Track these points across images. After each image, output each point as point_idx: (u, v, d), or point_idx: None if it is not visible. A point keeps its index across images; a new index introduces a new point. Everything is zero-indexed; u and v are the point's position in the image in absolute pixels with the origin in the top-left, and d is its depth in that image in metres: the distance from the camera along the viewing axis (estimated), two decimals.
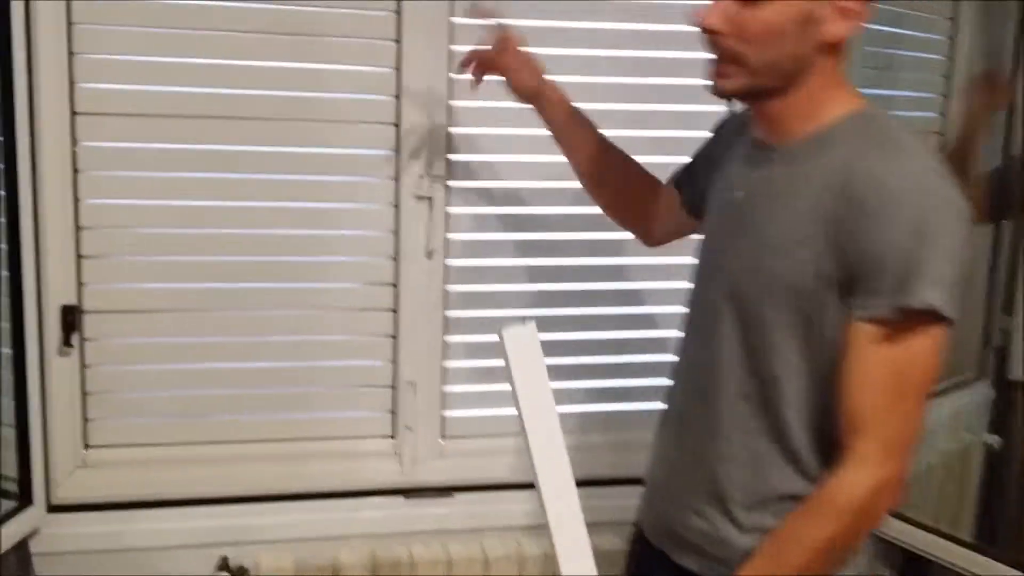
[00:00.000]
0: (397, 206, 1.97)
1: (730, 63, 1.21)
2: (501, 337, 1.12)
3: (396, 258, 2.00)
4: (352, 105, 1.93)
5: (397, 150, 1.95)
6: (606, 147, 1.66)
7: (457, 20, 1.93)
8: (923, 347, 1.15)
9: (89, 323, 1.90)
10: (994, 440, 2.58)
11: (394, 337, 2.03)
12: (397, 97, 1.93)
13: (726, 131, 1.49)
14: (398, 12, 1.90)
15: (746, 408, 1.27)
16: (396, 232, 1.98)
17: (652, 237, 1.70)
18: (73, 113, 1.82)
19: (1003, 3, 2.26)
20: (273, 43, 1.87)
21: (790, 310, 1.22)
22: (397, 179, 1.96)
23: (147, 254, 1.91)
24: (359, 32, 1.90)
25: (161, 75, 1.85)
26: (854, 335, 1.17)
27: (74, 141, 1.83)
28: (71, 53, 1.79)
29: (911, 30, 2.26)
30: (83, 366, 1.91)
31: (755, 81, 1.22)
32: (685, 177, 1.57)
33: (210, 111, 1.88)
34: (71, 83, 1.81)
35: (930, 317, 1.13)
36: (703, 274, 1.38)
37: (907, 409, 1.17)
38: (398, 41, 1.91)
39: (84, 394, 1.92)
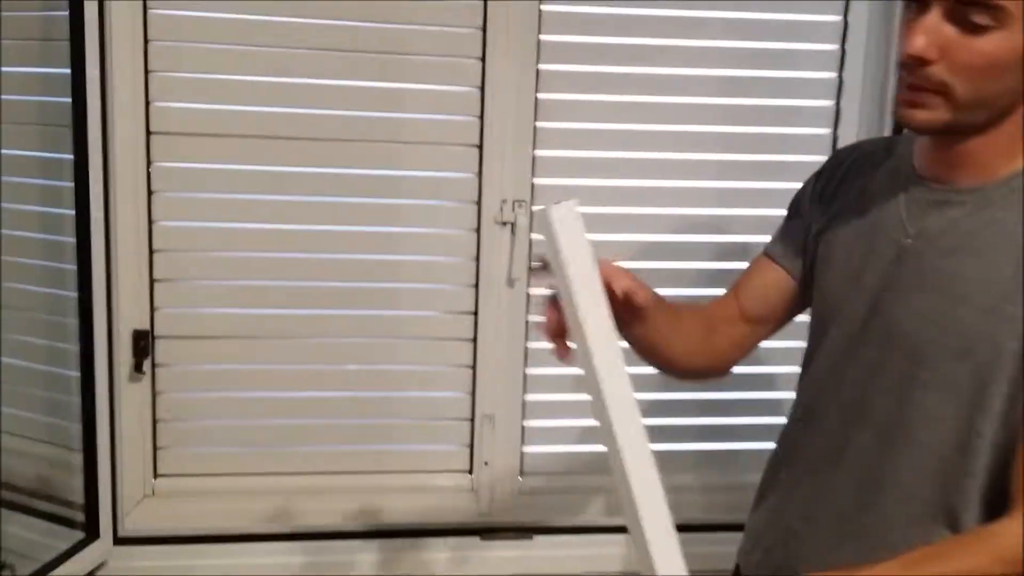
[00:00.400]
0: (478, 231, 1.89)
1: (934, 94, 1.06)
2: (546, 217, 1.03)
3: (476, 286, 1.91)
4: (433, 126, 1.86)
5: (479, 173, 1.87)
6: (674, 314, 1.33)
7: (545, 38, 1.84)
8: None
9: (161, 348, 1.85)
10: None
11: (473, 368, 1.94)
12: (480, 118, 1.85)
13: (843, 168, 1.31)
14: (483, 29, 1.82)
15: (917, 476, 1.15)
16: (477, 259, 1.90)
17: (724, 359, 1.40)
18: (148, 132, 1.78)
19: None
20: (353, 62, 1.81)
21: (988, 371, 1.08)
22: (479, 203, 1.88)
23: (221, 278, 1.87)
24: (442, 51, 1.83)
25: (238, 94, 1.80)
26: None
27: (149, 161, 1.79)
28: (147, 71, 1.76)
29: None
30: (154, 392, 1.86)
31: (958, 116, 1.07)
32: (787, 244, 1.35)
33: (287, 132, 1.82)
34: (147, 102, 1.77)
35: None
36: (851, 327, 1.22)
37: None
38: (483, 60, 1.83)
39: (155, 421, 1.87)
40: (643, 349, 1.28)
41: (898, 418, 1.15)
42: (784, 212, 1.37)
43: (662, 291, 1.23)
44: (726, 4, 1.88)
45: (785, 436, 1.34)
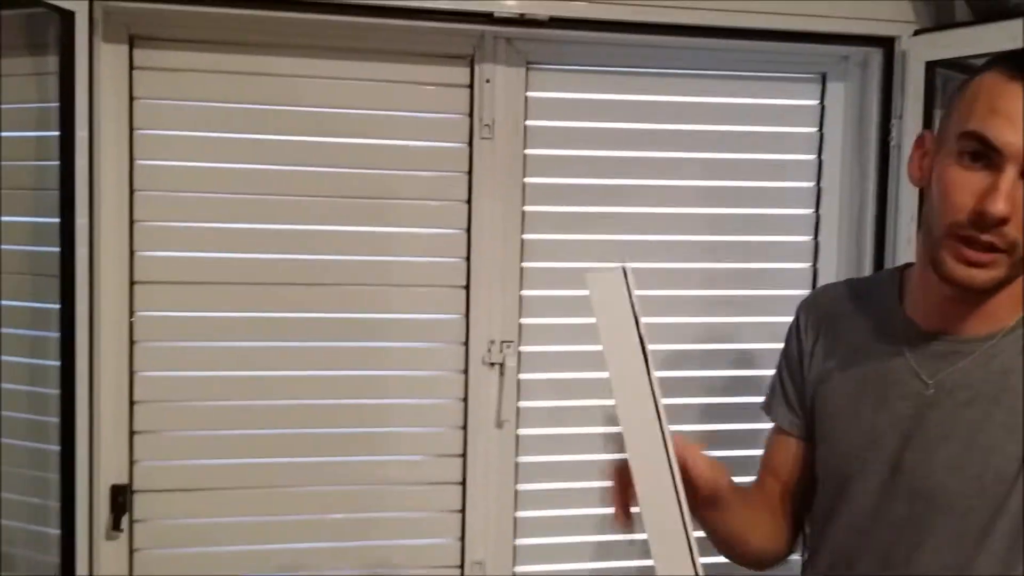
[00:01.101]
0: (466, 372, 1.88)
1: (1000, 252, 1.03)
2: (587, 283, 0.99)
3: (465, 427, 1.88)
4: (421, 268, 1.86)
5: (467, 314, 1.86)
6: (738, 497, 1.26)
7: (530, 180, 1.87)
8: None
9: (139, 503, 1.78)
10: None
11: (462, 512, 1.89)
12: (467, 259, 1.85)
13: (818, 321, 1.28)
14: (469, 173, 1.84)
15: None
16: (465, 400, 1.88)
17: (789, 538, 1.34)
18: (132, 282, 1.76)
19: None
20: (342, 207, 1.82)
21: (1019, 519, 1.07)
22: (467, 344, 1.87)
23: (203, 428, 1.81)
24: (429, 194, 1.85)
25: (226, 242, 1.80)
26: None
27: (131, 311, 1.76)
28: (132, 251, 1.75)
29: None
30: (131, 550, 1.78)
31: (1011, 274, 1.05)
32: (793, 411, 1.31)
33: (276, 278, 1.81)
34: (131, 251, 1.75)
35: None
36: (874, 484, 1.16)
37: None
38: (469, 202, 1.85)
39: None
40: (723, 538, 1.23)
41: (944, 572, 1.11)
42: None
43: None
44: (706, 145, 1.94)
45: None
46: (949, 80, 1.86)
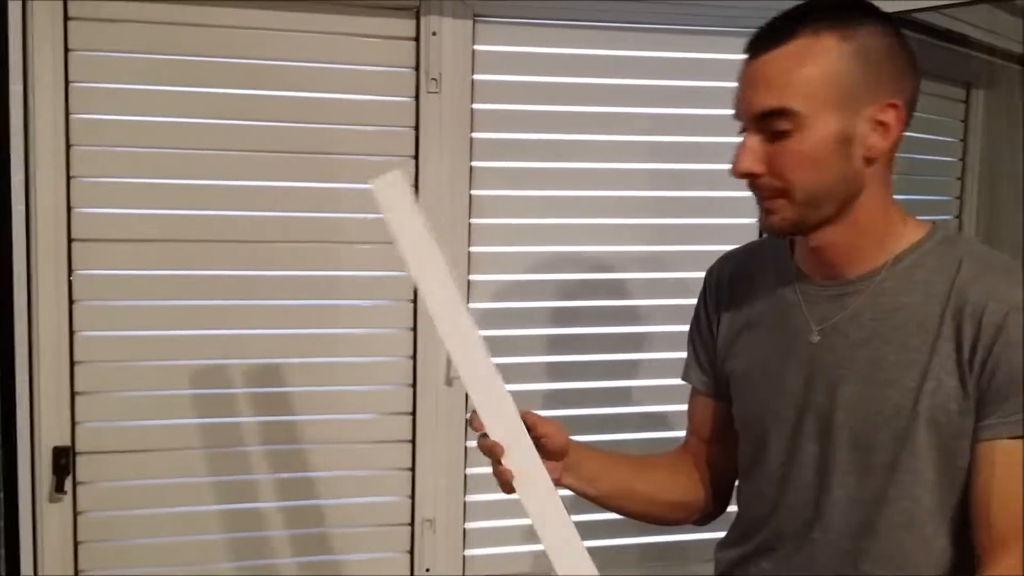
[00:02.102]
0: (415, 330, 1.87)
1: (776, 198, 1.15)
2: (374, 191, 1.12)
3: (414, 385, 1.87)
4: (368, 225, 1.83)
5: None
6: (638, 469, 1.40)
7: (477, 135, 1.87)
8: None
9: (82, 465, 1.75)
10: None
11: (412, 471, 1.89)
12: None
13: (726, 282, 1.35)
14: (416, 128, 1.83)
15: (889, 563, 1.16)
16: (414, 357, 1.87)
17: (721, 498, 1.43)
18: (70, 240, 1.71)
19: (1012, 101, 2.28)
20: (287, 162, 1.79)
21: (928, 446, 1.12)
22: (415, 302, 1.86)
23: (145, 389, 1.78)
24: (376, 150, 1.83)
25: (167, 198, 1.76)
26: (993, 453, 1.09)
27: (70, 269, 1.72)
28: (69, 176, 1.70)
29: (926, 133, 2.24)
30: (75, 512, 1.75)
31: (804, 213, 1.15)
32: (707, 371, 1.39)
33: (218, 235, 1.79)
34: (68, 208, 1.70)
35: None
36: (787, 431, 1.23)
37: None
38: (416, 158, 1.83)
39: (76, 543, 1.76)
40: (641, 506, 1.36)
41: (855, 508, 1.17)
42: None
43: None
44: (657, 100, 1.94)
45: (737, 543, 1.33)
46: None
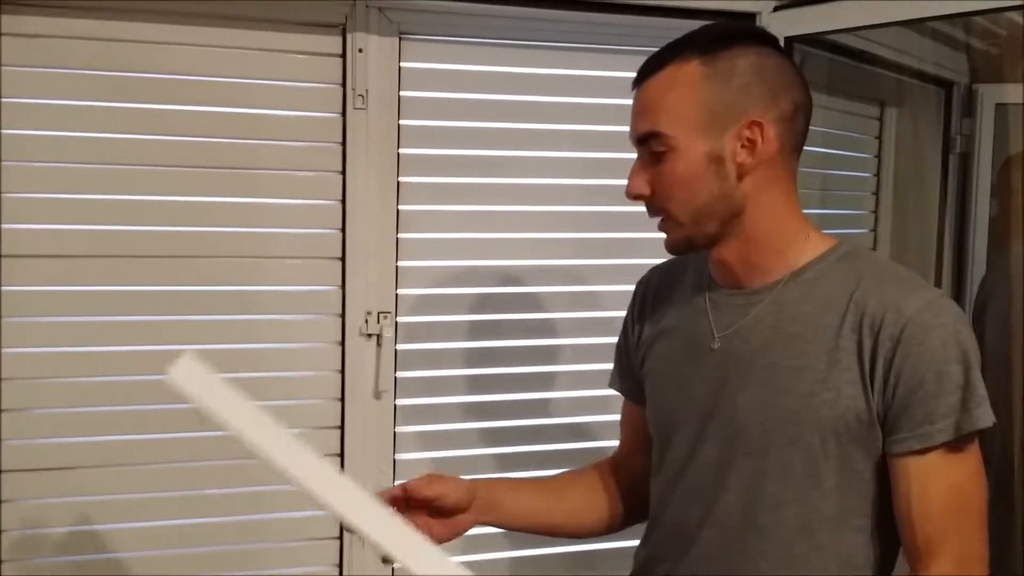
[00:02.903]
0: (343, 344, 1.88)
1: (665, 219, 1.22)
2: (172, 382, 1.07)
3: (342, 399, 1.88)
4: (295, 240, 1.85)
5: (343, 286, 1.86)
6: (558, 489, 1.47)
7: (404, 151, 1.88)
8: (976, 462, 1.15)
9: (8, 483, 1.73)
10: None
11: None
12: (342, 230, 1.85)
13: (652, 290, 1.40)
14: (343, 144, 1.84)
15: (771, 563, 1.19)
16: (342, 371, 1.88)
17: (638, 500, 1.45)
18: None
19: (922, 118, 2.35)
20: (212, 178, 1.79)
21: (826, 454, 1.16)
22: (343, 316, 1.87)
23: (72, 406, 1.77)
24: (303, 165, 1.84)
25: (93, 214, 1.75)
26: (907, 467, 1.13)
27: None
28: None
29: (842, 150, 2.31)
30: (0, 531, 1.74)
31: (691, 231, 1.21)
32: (628, 378, 1.44)
33: (143, 251, 1.78)
34: None
35: (976, 433, 1.13)
36: (691, 434, 1.26)
37: (974, 525, 1.14)
38: (343, 173, 1.85)
39: (0, 562, 1.74)
40: (564, 530, 1.46)
41: (741, 511, 1.20)
42: None
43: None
44: (582, 118, 1.98)
45: (645, 543, 1.38)
46: (807, 55, 1.93)
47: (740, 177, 1.18)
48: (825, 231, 1.26)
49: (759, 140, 1.16)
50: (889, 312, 1.12)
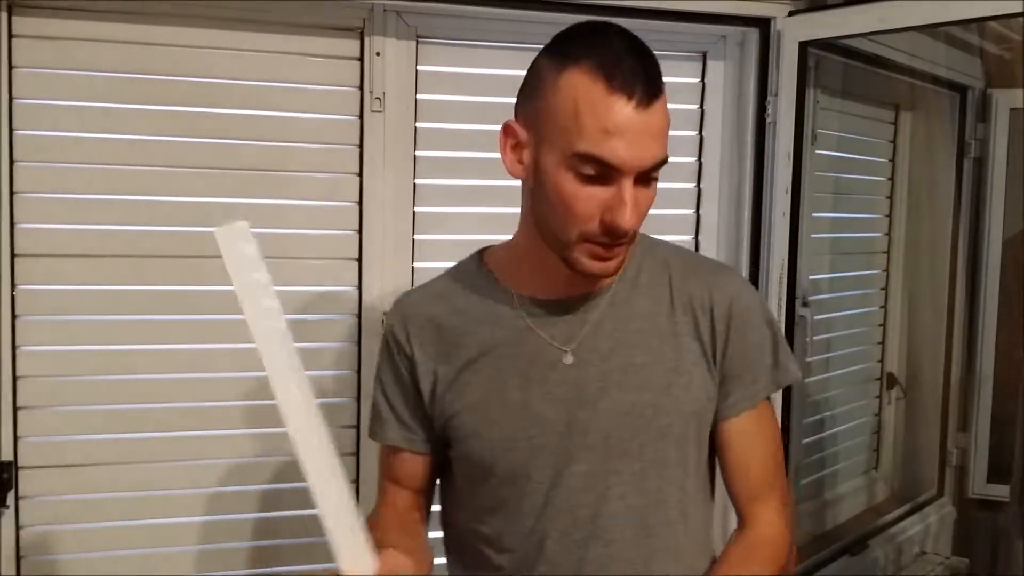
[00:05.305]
0: (359, 344, 1.90)
1: (627, 244, 1.16)
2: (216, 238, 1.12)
3: (358, 399, 1.90)
4: (312, 241, 1.86)
5: (359, 286, 1.89)
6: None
7: (421, 153, 1.90)
8: (773, 409, 1.30)
9: (25, 479, 1.76)
10: (961, 564, 2.54)
11: (355, 483, 1.91)
12: (359, 232, 1.88)
13: (416, 332, 1.29)
14: (360, 146, 1.86)
15: (664, 555, 1.22)
16: (358, 371, 1.90)
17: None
18: (13, 255, 1.72)
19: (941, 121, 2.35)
20: (232, 179, 1.81)
21: (686, 437, 1.22)
22: (359, 316, 1.89)
23: (87, 404, 1.79)
24: (321, 167, 1.86)
25: (112, 214, 1.77)
26: (737, 426, 1.24)
27: (13, 284, 1.73)
28: (12, 191, 1.71)
29: (856, 154, 2.31)
30: (18, 527, 1.76)
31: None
32: (410, 426, 1.31)
33: (164, 251, 1.80)
34: (11, 224, 1.71)
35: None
36: (541, 455, 1.19)
37: (782, 463, 1.30)
38: (360, 175, 1.87)
39: (19, 557, 1.76)
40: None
41: (634, 514, 1.20)
42: None
43: None
44: None
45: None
46: (821, 59, 1.94)
47: None
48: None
49: None
50: (715, 291, 1.23)
